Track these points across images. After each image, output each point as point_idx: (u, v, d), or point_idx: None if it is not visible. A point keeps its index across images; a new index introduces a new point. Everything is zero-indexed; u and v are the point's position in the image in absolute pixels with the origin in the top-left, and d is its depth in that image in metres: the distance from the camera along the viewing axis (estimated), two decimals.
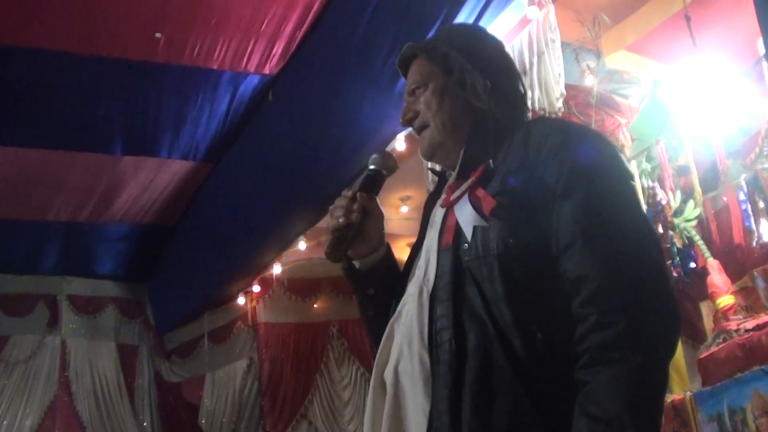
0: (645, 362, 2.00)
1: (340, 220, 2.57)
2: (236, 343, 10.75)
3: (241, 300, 10.59)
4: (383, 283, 2.65)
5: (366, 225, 2.61)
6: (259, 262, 9.73)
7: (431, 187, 6.49)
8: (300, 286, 10.66)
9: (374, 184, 2.66)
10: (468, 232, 2.29)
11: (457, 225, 2.34)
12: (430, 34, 5.74)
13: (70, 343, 11.09)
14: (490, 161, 2.37)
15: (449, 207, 2.43)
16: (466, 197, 2.36)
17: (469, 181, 2.39)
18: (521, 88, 2.61)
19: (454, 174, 2.52)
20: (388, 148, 6.97)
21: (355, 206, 2.58)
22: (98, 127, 8.29)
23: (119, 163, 8.75)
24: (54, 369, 10.85)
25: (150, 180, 9.16)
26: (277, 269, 9.91)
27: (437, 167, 2.70)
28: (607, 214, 2.17)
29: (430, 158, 2.65)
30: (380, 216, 2.66)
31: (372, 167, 2.70)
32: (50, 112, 7.97)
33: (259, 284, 10.39)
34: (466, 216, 2.32)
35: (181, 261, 10.66)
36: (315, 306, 10.69)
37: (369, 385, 2.42)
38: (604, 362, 2.01)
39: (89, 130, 8.30)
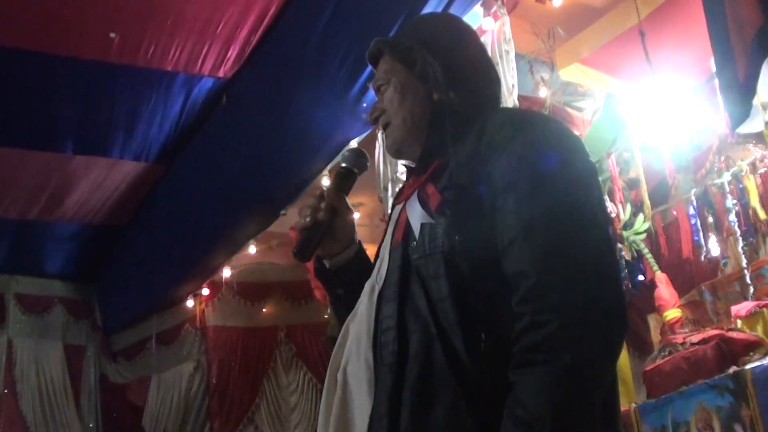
0: (574, 364, 1.94)
1: (307, 219, 2.51)
2: (184, 345, 10.69)
3: (189, 303, 10.53)
4: (353, 283, 2.57)
5: (335, 224, 2.56)
6: (209, 265, 9.69)
7: (383, 195, 6.54)
8: (249, 290, 10.63)
9: (345, 182, 2.61)
10: (416, 229, 2.27)
11: (408, 222, 2.32)
12: None
13: (16, 343, 10.94)
14: (450, 153, 2.31)
15: (403, 203, 2.41)
16: (416, 194, 2.34)
17: (421, 178, 2.36)
18: (492, 75, 2.55)
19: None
20: (341, 156, 6.96)
21: (323, 205, 2.52)
22: (50, 125, 8.20)
23: (70, 162, 8.66)
24: (0, 368, 10.71)
25: (101, 180, 9.07)
26: (226, 272, 9.86)
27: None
28: (553, 208, 2.09)
29: (396, 156, 2.60)
30: (350, 215, 2.62)
31: (343, 165, 2.65)
32: (0, 109, 7.89)
33: (208, 287, 10.35)
34: (415, 213, 2.30)
35: (130, 262, 10.57)
36: (263, 310, 10.65)
37: (316, 390, 2.41)
38: (532, 363, 1.96)
39: (40, 128, 8.21)
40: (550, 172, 2.14)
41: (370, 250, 2.63)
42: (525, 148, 2.19)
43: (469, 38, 2.60)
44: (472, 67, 2.52)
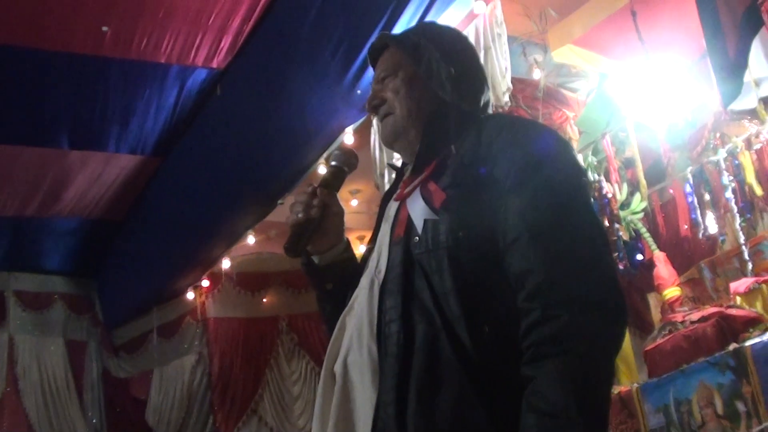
0: (589, 354, 2.00)
1: (300, 215, 2.54)
2: (185, 337, 10.71)
3: (190, 295, 10.54)
4: (342, 278, 2.63)
5: (326, 221, 2.59)
6: (208, 257, 9.71)
7: (379, 182, 6.55)
8: (249, 281, 10.65)
9: (335, 180, 2.65)
10: (418, 225, 2.29)
11: (409, 218, 2.35)
12: (378, 28, 5.77)
13: (17, 340, 10.97)
14: (452, 149, 2.37)
15: (402, 200, 2.44)
16: (417, 191, 2.36)
17: (422, 175, 2.39)
18: (485, 83, 2.62)
19: (410, 167, 2.52)
20: (336, 142, 6.98)
21: (315, 202, 2.55)
22: (45, 121, 8.21)
23: (66, 157, 8.67)
24: (2, 365, 10.72)
25: (98, 174, 9.08)
26: (226, 264, 9.87)
27: (397, 162, 2.69)
28: (554, 210, 2.17)
29: (390, 145, 2.65)
30: (340, 212, 2.65)
31: (333, 163, 2.68)
32: None
33: (208, 279, 10.36)
34: (417, 209, 2.33)
35: (129, 256, 10.59)
36: (264, 300, 10.67)
37: (319, 378, 2.42)
38: (547, 356, 2.00)
39: (35, 124, 8.22)
40: (550, 174, 2.23)
41: (367, 236, 2.65)
42: (526, 150, 2.27)
43: (468, 44, 2.70)
44: (474, 71, 2.61)
